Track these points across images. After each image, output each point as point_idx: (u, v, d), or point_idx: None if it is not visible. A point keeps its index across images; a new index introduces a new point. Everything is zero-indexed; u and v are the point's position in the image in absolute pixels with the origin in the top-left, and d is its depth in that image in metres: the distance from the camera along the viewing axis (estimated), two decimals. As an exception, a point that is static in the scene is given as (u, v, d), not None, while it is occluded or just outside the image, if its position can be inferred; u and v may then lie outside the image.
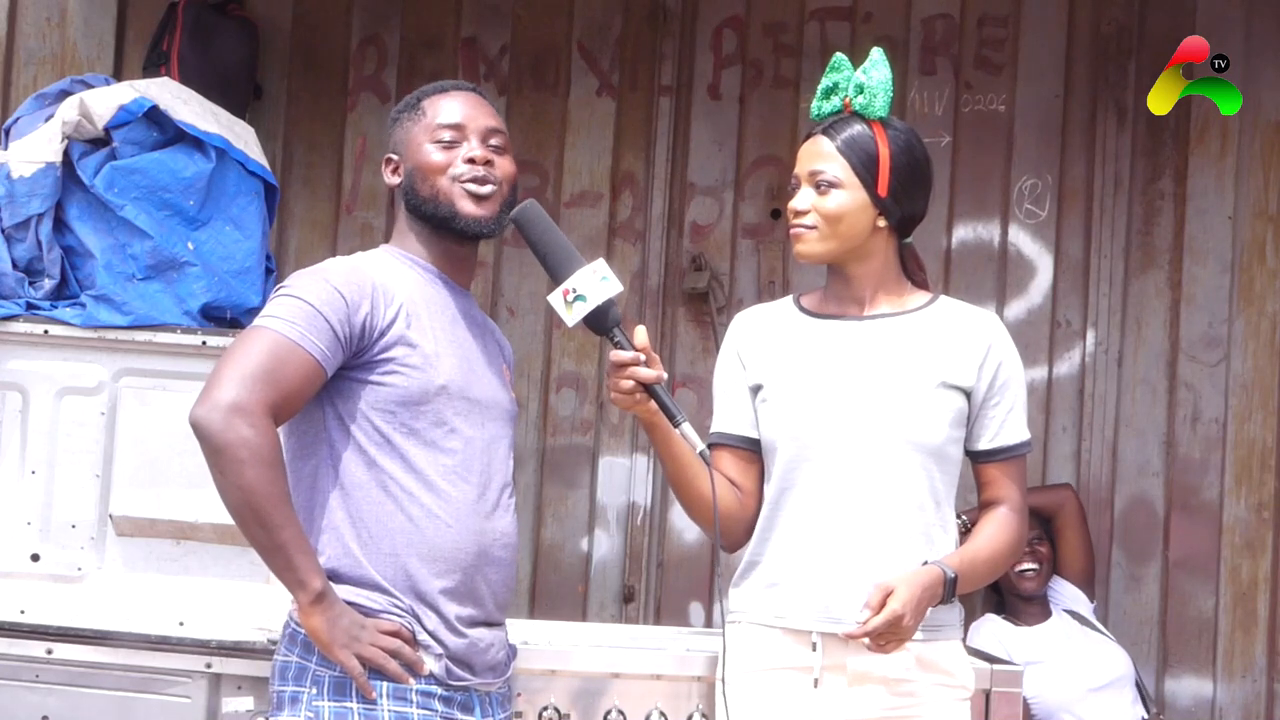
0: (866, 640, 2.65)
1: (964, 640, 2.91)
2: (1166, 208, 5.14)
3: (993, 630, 4.62)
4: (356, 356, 2.66)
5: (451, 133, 2.79)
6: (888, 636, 2.65)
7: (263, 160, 3.83)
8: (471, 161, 2.78)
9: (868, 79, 2.85)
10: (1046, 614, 4.69)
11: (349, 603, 2.61)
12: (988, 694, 3.06)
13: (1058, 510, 4.79)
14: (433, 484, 2.67)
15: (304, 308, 2.62)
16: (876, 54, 2.87)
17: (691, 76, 5.29)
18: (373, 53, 5.35)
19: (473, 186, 2.77)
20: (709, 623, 5.04)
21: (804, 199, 2.85)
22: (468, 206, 2.77)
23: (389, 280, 2.72)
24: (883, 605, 2.64)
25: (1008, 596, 4.72)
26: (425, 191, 2.78)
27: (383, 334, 2.66)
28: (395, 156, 2.84)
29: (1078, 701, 4.51)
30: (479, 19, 5.35)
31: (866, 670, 2.74)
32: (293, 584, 2.58)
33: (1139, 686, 4.66)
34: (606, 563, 5.22)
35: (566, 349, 5.26)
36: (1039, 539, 4.70)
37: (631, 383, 2.67)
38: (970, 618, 4.72)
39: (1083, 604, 4.76)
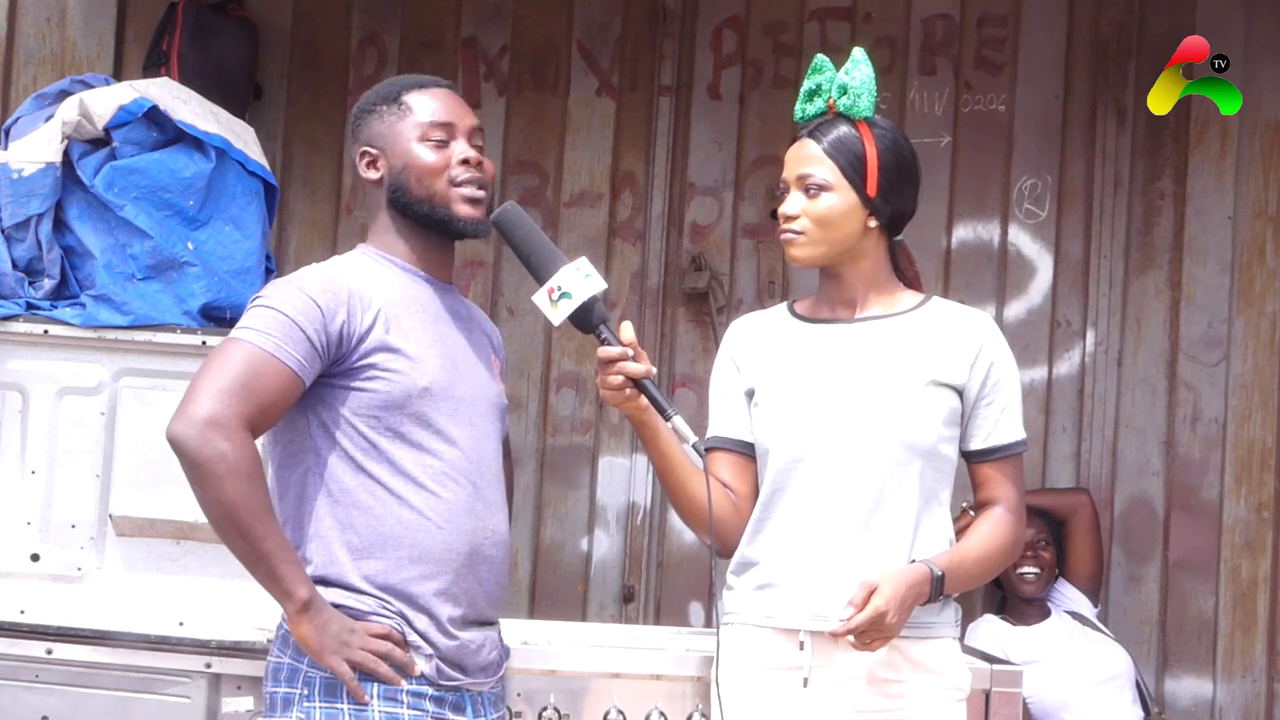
0: (851, 638, 2.65)
1: (960, 640, 2.90)
2: (1166, 208, 5.14)
3: (990, 630, 4.62)
4: (336, 364, 2.65)
5: (442, 132, 2.78)
6: (872, 634, 2.66)
7: (263, 160, 3.83)
8: (465, 163, 2.77)
9: (850, 79, 2.85)
10: (1045, 614, 4.69)
11: (337, 605, 2.61)
12: (987, 694, 3.06)
13: (1072, 514, 4.78)
14: (422, 486, 2.67)
15: (279, 318, 2.61)
16: (858, 54, 2.88)
17: (691, 76, 5.29)
18: (373, 53, 5.35)
19: (469, 190, 2.77)
20: (708, 623, 5.02)
21: (794, 204, 2.85)
22: (465, 210, 2.77)
23: (365, 284, 2.71)
24: (866, 603, 2.64)
25: (1008, 596, 4.72)
26: (419, 192, 2.77)
27: (361, 340, 2.65)
28: (374, 151, 2.80)
29: (1075, 699, 4.50)
30: (479, 19, 5.36)
31: (856, 670, 2.75)
32: (279, 594, 2.58)
33: (1139, 686, 4.66)
34: (606, 563, 5.22)
35: (566, 349, 5.26)
36: (1044, 544, 4.69)
37: (620, 378, 2.68)
38: (970, 617, 4.72)
39: (1085, 607, 4.75)
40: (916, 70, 5.21)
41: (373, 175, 2.81)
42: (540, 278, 2.69)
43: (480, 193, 2.78)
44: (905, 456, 2.80)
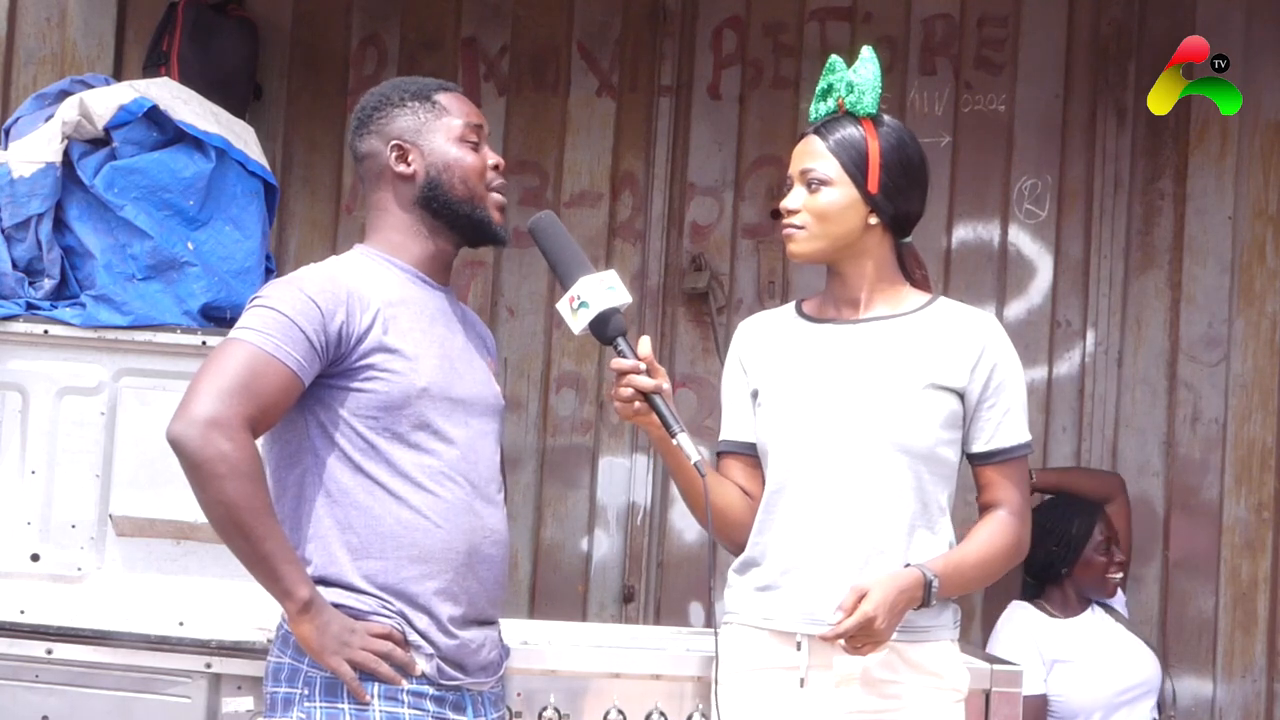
0: (842, 642, 2.66)
1: (957, 641, 2.90)
2: (1166, 208, 5.14)
3: (1025, 619, 4.50)
4: (335, 365, 2.65)
5: (476, 135, 2.82)
6: (861, 638, 2.66)
7: (263, 160, 3.83)
8: (496, 169, 2.82)
9: (857, 77, 2.86)
10: (1085, 605, 4.56)
11: (337, 605, 2.61)
12: (988, 694, 3.05)
13: (1110, 497, 4.71)
14: (420, 485, 2.67)
15: (279, 318, 2.61)
16: (866, 52, 2.89)
17: (691, 76, 5.29)
18: (373, 53, 5.35)
19: (499, 198, 2.82)
20: (709, 623, 5.02)
21: (795, 198, 2.86)
22: (498, 216, 2.83)
23: (364, 285, 2.71)
24: (856, 607, 2.64)
25: (1051, 585, 4.57)
26: (462, 192, 2.78)
27: (360, 341, 2.65)
28: (407, 145, 2.80)
29: (1101, 708, 4.42)
30: (479, 19, 5.36)
31: (852, 671, 2.75)
32: (280, 594, 2.58)
33: (1159, 690, 4.57)
34: (606, 563, 5.22)
35: (566, 349, 5.26)
36: (1118, 545, 4.63)
37: (630, 391, 2.68)
38: (969, 618, 4.71)
39: (1118, 601, 4.67)
40: (916, 70, 5.21)
41: (404, 169, 2.80)
42: (566, 286, 2.72)
43: (505, 201, 2.84)
44: (902, 459, 2.80)
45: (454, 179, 2.78)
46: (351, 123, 2.89)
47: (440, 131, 2.80)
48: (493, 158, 2.83)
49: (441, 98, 2.83)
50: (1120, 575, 4.61)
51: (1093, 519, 4.56)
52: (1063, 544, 4.49)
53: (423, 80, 2.88)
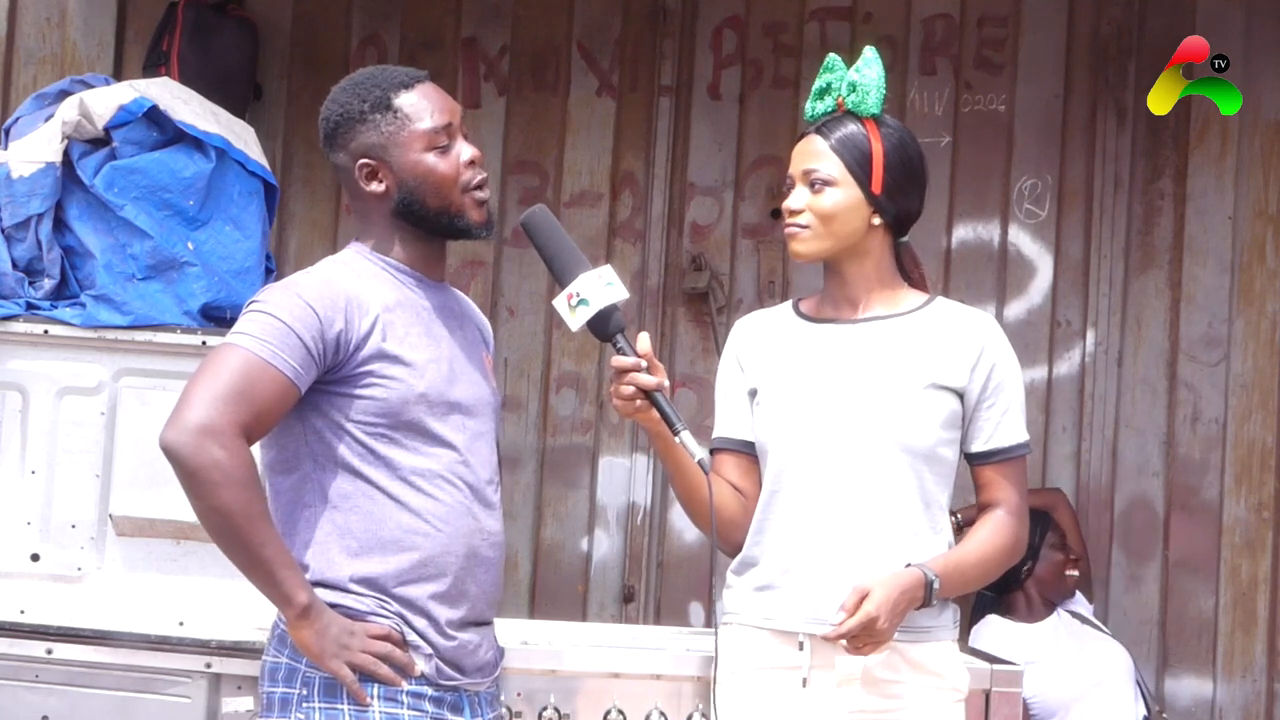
0: (844, 642, 2.66)
1: (957, 641, 2.90)
2: (1166, 208, 5.14)
3: (994, 630, 4.61)
4: (333, 371, 2.63)
5: (444, 136, 2.72)
6: (864, 639, 2.66)
7: (263, 160, 3.83)
8: (471, 163, 2.74)
9: (860, 77, 2.85)
10: (1050, 609, 4.66)
11: (334, 605, 2.60)
12: (987, 694, 3.06)
13: (1051, 512, 4.78)
14: (419, 490, 2.65)
15: (276, 325, 2.58)
16: (869, 52, 2.88)
17: (691, 76, 5.30)
18: (373, 53, 5.35)
19: (480, 194, 2.74)
20: (709, 623, 5.03)
21: (798, 198, 2.85)
22: (477, 215, 2.75)
23: (362, 290, 2.68)
24: (858, 607, 2.64)
25: (1012, 594, 4.67)
26: (436, 204, 2.72)
27: (359, 347, 2.63)
28: (373, 163, 2.72)
29: (1078, 699, 4.49)
30: (479, 19, 5.36)
31: (854, 671, 2.75)
32: (278, 600, 2.57)
33: (1140, 685, 4.65)
34: (606, 563, 5.22)
35: (566, 349, 5.26)
36: (1070, 546, 4.68)
37: (632, 388, 2.68)
38: (965, 619, 4.72)
39: (1082, 605, 4.75)
40: (916, 70, 5.22)
41: (377, 188, 2.74)
42: (562, 283, 2.68)
43: (487, 194, 2.76)
44: (903, 459, 2.79)
45: (426, 194, 2.72)
46: (319, 130, 2.80)
47: (408, 144, 2.71)
48: (467, 152, 2.73)
49: (403, 101, 2.72)
50: (1076, 574, 4.64)
51: (1046, 517, 4.63)
52: None
53: (383, 78, 2.76)
